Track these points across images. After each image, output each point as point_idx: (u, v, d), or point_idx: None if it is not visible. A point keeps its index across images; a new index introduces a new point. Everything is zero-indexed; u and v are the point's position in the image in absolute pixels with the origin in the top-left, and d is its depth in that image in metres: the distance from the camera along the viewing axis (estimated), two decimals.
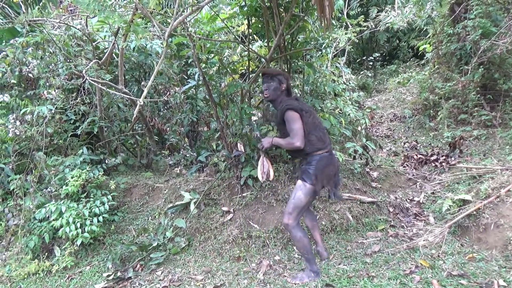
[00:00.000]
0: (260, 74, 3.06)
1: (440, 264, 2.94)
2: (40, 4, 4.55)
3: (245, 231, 3.65)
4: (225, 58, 5.22)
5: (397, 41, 12.47)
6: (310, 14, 4.33)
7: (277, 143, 2.96)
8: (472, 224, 3.32)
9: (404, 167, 5.40)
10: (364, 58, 11.92)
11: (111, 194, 4.12)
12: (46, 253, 3.85)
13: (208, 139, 5.00)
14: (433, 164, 5.15)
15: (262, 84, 3.00)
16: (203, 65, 4.99)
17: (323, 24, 3.16)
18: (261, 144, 3.03)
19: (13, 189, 4.02)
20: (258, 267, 3.23)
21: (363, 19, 6.40)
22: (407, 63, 11.71)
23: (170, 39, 4.72)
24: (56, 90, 4.52)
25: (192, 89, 5.09)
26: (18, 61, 4.32)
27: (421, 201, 4.32)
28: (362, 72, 11.17)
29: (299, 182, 2.86)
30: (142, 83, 5.05)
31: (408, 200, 4.39)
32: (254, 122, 4.53)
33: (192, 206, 3.91)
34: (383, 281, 2.77)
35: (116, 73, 4.64)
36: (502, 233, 3.07)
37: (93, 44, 4.63)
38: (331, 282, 2.85)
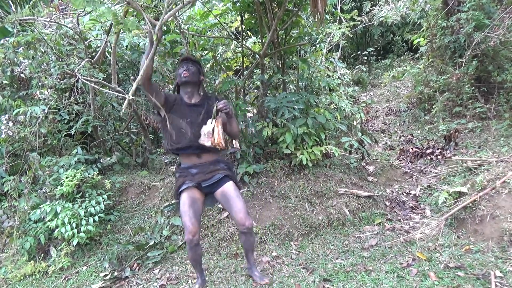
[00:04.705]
0: (181, 60, 2.88)
1: (437, 256, 2.96)
2: (31, 3, 4.49)
3: None
4: (219, 55, 5.20)
5: (391, 35, 12.47)
6: (304, 9, 4.32)
7: (233, 118, 2.79)
8: (468, 216, 3.33)
9: (400, 160, 5.41)
10: (358, 52, 11.92)
11: (107, 194, 4.09)
12: (42, 254, 3.82)
13: None
14: (429, 157, 5.17)
15: (180, 67, 2.81)
16: None
17: (316, 19, 3.15)
18: (221, 103, 2.66)
19: (7, 191, 3.98)
20: (255, 264, 3.22)
21: (357, 14, 6.39)
22: (402, 57, 11.71)
23: (163, 36, 4.68)
24: (49, 90, 4.47)
25: None
26: (9, 61, 4.27)
27: (417, 194, 4.34)
28: (356, 67, 11.17)
29: (232, 183, 2.77)
30: (132, 77, 4.96)
31: (405, 194, 4.41)
32: (249, 119, 4.52)
33: None
34: (380, 275, 2.78)
35: (109, 71, 4.60)
36: (498, 224, 3.09)
37: (85, 42, 4.58)
38: (329, 277, 2.85)
